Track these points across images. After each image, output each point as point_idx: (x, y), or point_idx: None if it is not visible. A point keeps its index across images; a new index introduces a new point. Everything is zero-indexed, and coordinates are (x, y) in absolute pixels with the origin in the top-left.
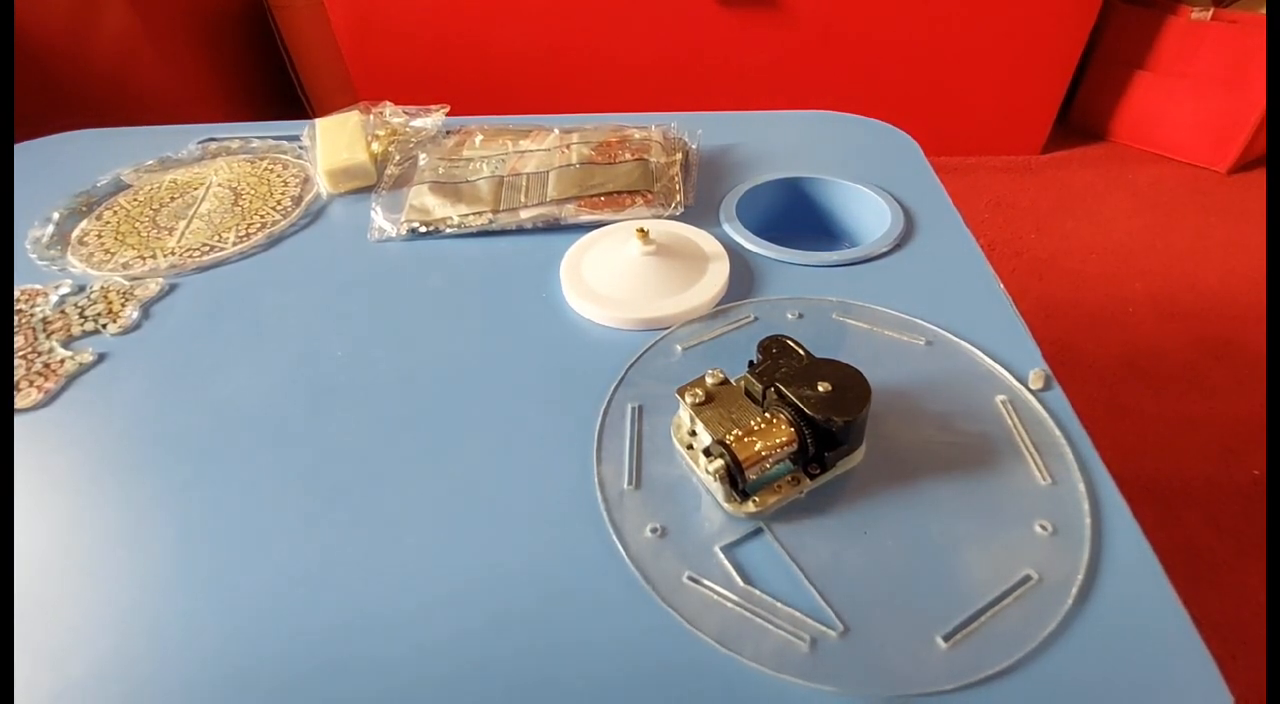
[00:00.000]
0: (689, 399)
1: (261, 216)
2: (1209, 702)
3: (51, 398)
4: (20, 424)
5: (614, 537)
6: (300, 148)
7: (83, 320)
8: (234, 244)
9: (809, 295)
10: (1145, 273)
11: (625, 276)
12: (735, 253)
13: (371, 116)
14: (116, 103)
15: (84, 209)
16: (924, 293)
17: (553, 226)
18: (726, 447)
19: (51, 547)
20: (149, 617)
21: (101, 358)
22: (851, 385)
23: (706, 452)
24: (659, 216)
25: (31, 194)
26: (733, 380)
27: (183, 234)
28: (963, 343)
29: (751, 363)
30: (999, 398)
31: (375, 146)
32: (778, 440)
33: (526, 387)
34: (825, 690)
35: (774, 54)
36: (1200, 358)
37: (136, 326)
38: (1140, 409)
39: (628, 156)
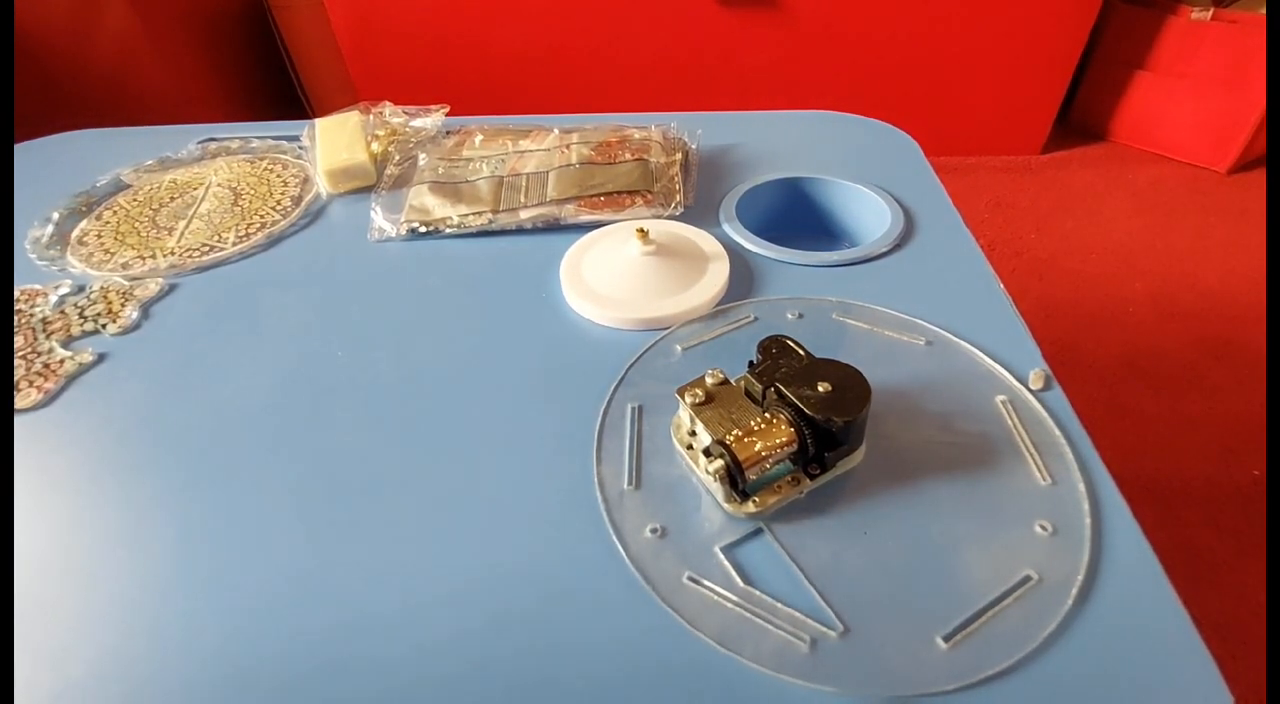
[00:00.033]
0: (689, 399)
1: (261, 216)
2: (1209, 702)
3: (51, 398)
4: (20, 424)
5: (614, 537)
6: (300, 148)
7: (82, 320)
8: (234, 244)
9: (809, 295)
10: (1145, 273)
11: (625, 276)
12: (735, 253)
13: (371, 116)
14: (116, 103)
15: (84, 209)
16: (924, 293)
17: (552, 226)
18: (726, 447)
19: (51, 547)
20: (149, 617)
21: (101, 358)
22: (851, 385)
23: (706, 452)
24: (659, 216)
25: (31, 194)
26: (733, 380)
27: (182, 234)
28: (963, 343)
29: (751, 363)
30: (999, 398)
31: (375, 146)
32: (778, 441)
33: (526, 387)
34: (825, 691)
35: (774, 54)
36: (1200, 358)
37: (136, 327)
38: (1140, 409)
39: (628, 156)
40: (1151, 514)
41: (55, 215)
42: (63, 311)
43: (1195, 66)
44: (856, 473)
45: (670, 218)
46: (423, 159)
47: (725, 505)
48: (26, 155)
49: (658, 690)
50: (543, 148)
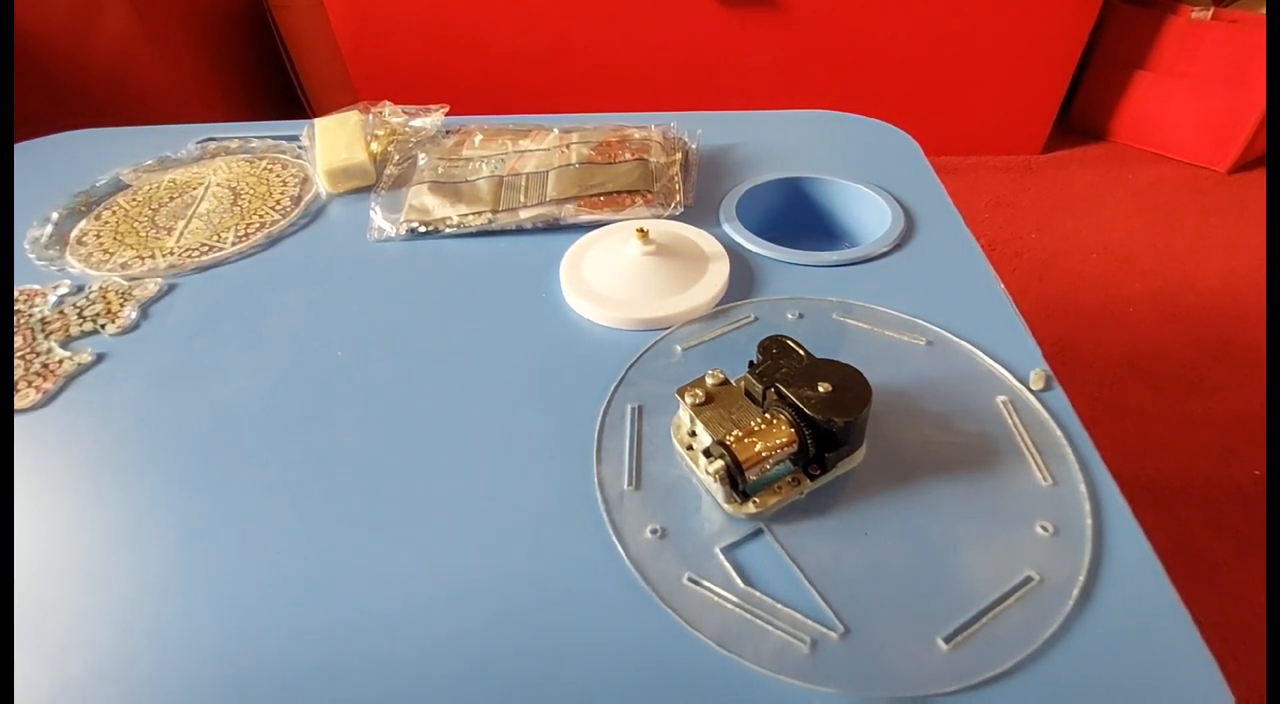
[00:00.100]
0: (689, 399)
1: (260, 216)
2: (1211, 702)
3: (50, 398)
4: (19, 424)
5: (614, 537)
6: (299, 147)
7: (81, 321)
8: (233, 244)
9: (809, 295)
10: (1145, 273)
11: (625, 276)
12: (735, 253)
13: (371, 116)
14: (116, 103)
15: (83, 209)
16: (924, 293)
17: (552, 226)
18: (726, 447)
19: (51, 547)
20: (149, 616)
21: (100, 358)
22: (852, 386)
23: (706, 452)
24: (659, 216)
25: (30, 194)
26: (733, 381)
27: (181, 234)
28: (963, 343)
29: (751, 363)
30: (999, 398)
31: (374, 146)
32: (778, 441)
33: (526, 387)
34: (825, 692)
35: (774, 54)
36: (1200, 358)
37: (135, 327)
38: (1140, 409)
39: (627, 156)
40: (1152, 514)
41: (54, 215)
42: (61, 312)
43: (1195, 66)
44: (857, 473)
45: (670, 218)
46: (422, 159)
47: (725, 506)
48: (26, 155)
49: (657, 691)
50: (542, 147)
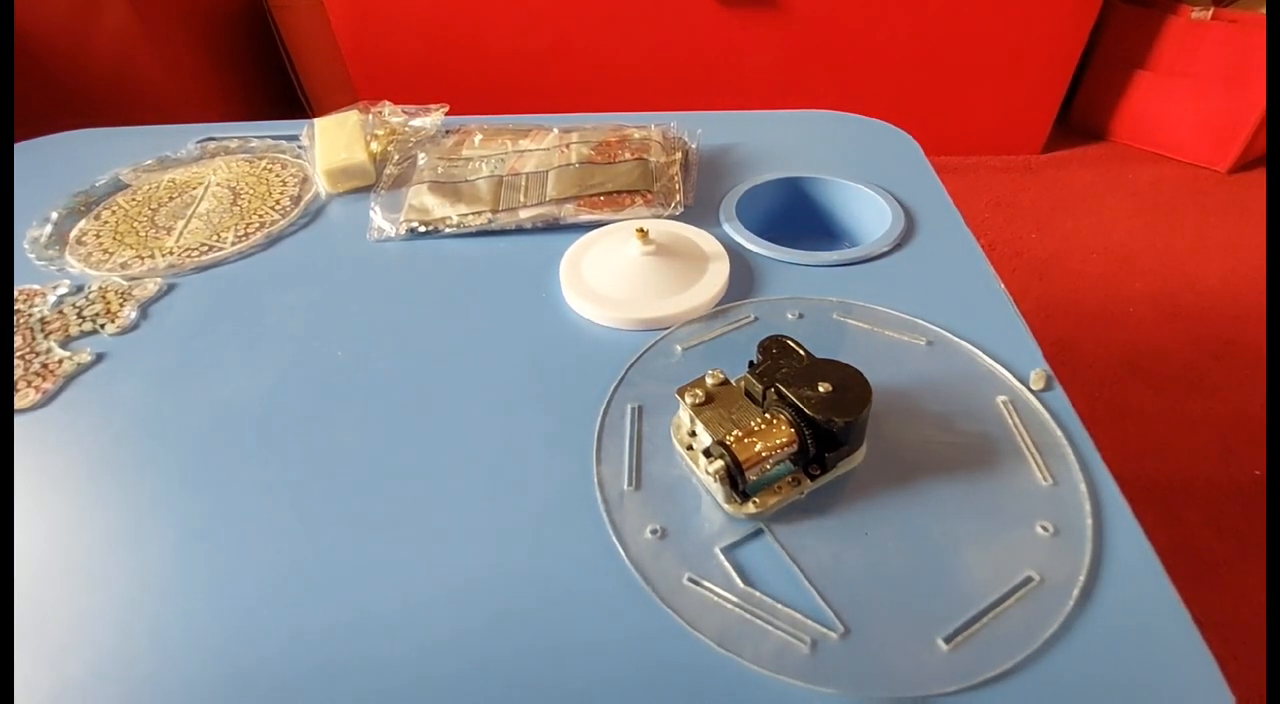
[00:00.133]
0: (689, 399)
1: (260, 216)
2: (1211, 702)
3: (49, 398)
4: (18, 424)
5: (614, 537)
6: (299, 147)
7: (81, 320)
8: (232, 244)
9: (809, 295)
10: (1145, 273)
11: (625, 276)
12: (735, 253)
13: (370, 116)
14: (116, 103)
15: (82, 209)
16: (924, 293)
17: (552, 226)
18: (726, 447)
19: (50, 547)
20: (149, 616)
21: (99, 358)
22: (852, 386)
23: (706, 452)
24: (659, 216)
25: (30, 194)
26: (733, 381)
27: (181, 234)
28: (963, 343)
29: (751, 363)
30: (1000, 398)
31: (374, 146)
32: (778, 441)
33: (526, 387)
34: (825, 692)
35: (774, 54)
36: (1200, 358)
37: (135, 327)
38: (1141, 409)
39: (627, 156)
40: (1152, 514)
41: (54, 215)
42: (61, 311)
43: (1195, 66)
44: (857, 473)
45: (670, 217)
46: (422, 158)
47: (725, 506)
48: (25, 155)
49: (657, 691)
50: (542, 147)
